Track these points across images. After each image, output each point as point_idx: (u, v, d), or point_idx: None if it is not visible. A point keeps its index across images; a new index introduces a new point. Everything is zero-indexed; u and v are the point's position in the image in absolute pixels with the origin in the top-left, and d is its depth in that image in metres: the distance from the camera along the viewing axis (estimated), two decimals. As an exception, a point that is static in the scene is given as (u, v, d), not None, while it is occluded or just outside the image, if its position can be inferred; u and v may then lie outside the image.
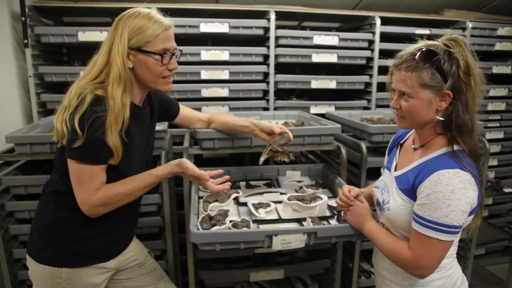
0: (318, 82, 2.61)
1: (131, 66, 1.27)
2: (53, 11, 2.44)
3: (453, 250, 1.23)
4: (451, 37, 1.14)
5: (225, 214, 1.57)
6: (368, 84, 2.73)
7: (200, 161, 2.35)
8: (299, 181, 2.09)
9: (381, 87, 2.70)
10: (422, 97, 1.13)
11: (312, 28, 2.83)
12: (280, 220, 1.61)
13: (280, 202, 1.73)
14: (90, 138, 1.18)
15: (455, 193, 1.06)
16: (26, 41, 2.21)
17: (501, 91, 3.03)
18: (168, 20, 1.30)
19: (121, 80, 1.24)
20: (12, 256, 1.91)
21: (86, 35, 2.25)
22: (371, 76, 2.70)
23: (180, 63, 2.36)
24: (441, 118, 1.15)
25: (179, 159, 1.44)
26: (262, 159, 1.63)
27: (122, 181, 1.31)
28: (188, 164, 1.42)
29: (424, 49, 1.12)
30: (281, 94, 2.74)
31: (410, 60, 1.13)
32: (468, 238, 2.40)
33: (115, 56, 1.23)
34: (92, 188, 1.25)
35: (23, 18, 2.19)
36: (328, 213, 1.67)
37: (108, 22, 2.63)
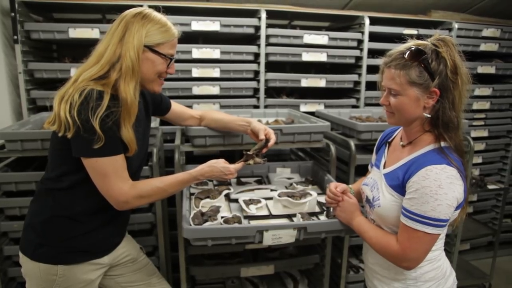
0: (308, 81, 2.64)
1: None
2: (43, 7, 2.42)
3: (441, 243, 1.28)
4: (439, 37, 1.17)
5: (216, 210, 1.59)
6: (357, 83, 2.77)
7: (191, 159, 2.37)
8: (289, 178, 2.12)
9: (370, 86, 2.74)
10: (410, 94, 1.16)
11: (302, 27, 2.86)
12: (270, 216, 1.64)
13: (271, 198, 1.75)
14: (109, 134, 1.22)
15: (442, 188, 1.10)
16: (15, 37, 2.19)
17: (486, 90, 3.10)
18: (177, 30, 1.37)
19: (133, 74, 1.26)
20: (2, 253, 1.91)
21: (77, 32, 2.24)
22: (360, 75, 2.74)
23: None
24: (428, 115, 1.19)
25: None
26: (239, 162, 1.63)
27: (159, 177, 1.41)
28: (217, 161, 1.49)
29: (412, 48, 1.16)
30: (271, 92, 2.76)
31: (399, 58, 1.17)
32: (453, 233, 2.47)
33: (128, 49, 1.25)
34: (123, 177, 1.29)
35: (13, 14, 2.16)
36: (317, 209, 1.70)
37: (99, 19, 2.62)
